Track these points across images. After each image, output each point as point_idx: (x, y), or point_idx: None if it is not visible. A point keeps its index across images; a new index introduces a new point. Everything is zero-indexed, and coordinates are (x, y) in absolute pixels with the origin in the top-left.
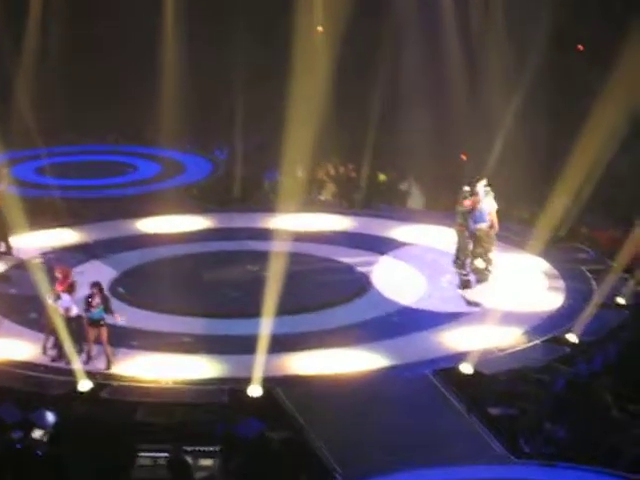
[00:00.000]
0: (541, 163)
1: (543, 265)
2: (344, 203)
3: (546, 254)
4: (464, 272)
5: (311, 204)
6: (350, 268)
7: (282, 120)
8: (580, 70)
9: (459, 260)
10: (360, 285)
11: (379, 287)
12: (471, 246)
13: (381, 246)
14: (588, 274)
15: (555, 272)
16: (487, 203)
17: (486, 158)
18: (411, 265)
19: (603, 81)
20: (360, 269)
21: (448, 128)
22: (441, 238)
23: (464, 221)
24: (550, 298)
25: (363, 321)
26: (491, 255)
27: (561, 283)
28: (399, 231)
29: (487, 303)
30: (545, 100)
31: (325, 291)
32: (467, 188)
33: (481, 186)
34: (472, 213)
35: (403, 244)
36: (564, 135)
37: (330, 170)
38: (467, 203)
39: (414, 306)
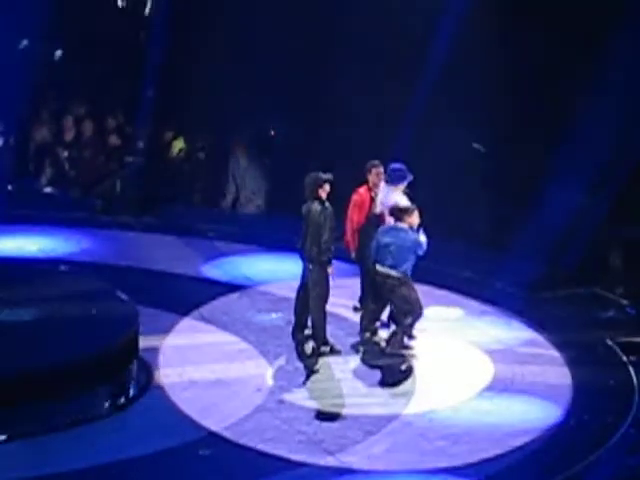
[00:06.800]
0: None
1: (524, 335)
2: (96, 202)
3: (534, 311)
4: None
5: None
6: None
7: None
8: None
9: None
10: (130, 384)
11: (169, 385)
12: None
13: (183, 294)
14: (622, 354)
15: (553, 351)
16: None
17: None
18: (240, 337)
19: None
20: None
21: None
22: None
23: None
24: (536, 409)
25: (131, 459)
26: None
27: (564, 374)
28: (220, 264)
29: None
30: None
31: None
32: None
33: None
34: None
35: (227, 288)
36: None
37: (68, 125)
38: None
39: (242, 427)
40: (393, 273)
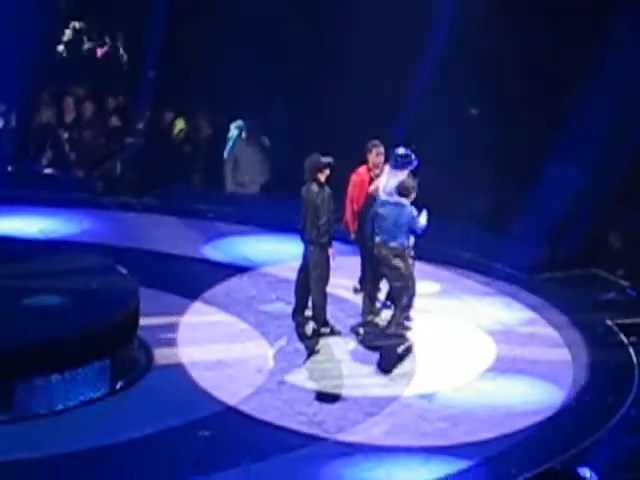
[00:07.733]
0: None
1: (525, 316)
2: (97, 183)
3: (534, 292)
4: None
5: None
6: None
7: None
8: None
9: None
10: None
11: (170, 365)
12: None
13: (183, 275)
14: (621, 335)
15: (554, 332)
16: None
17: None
18: (240, 319)
19: None
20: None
21: None
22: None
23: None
24: (537, 390)
25: (130, 439)
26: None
27: (565, 355)
28: (220, 245)
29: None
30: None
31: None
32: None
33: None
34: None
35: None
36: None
37: (68, 106)
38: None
39: (243, 408)
40: (390, 244)
